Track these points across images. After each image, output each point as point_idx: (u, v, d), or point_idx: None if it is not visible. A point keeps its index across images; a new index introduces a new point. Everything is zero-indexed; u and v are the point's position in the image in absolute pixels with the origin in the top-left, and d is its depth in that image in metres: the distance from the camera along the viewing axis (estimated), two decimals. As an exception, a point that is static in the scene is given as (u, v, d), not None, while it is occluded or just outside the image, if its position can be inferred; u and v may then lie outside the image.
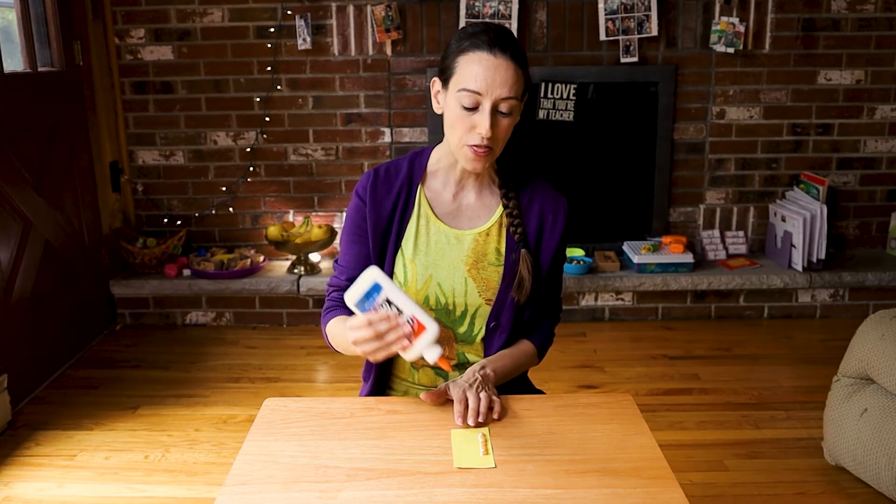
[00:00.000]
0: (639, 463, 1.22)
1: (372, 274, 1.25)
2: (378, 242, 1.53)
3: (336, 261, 1.61)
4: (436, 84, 1.48)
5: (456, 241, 1.52)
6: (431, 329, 1.27)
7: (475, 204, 1.55)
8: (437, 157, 1.56)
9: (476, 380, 1.40)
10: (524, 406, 1.40)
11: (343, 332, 1.40)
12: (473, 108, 1.40)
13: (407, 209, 1.53)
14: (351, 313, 1.49)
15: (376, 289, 1.23)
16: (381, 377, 1.62)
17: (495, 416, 1.35)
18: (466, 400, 1.35)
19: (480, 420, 1.32)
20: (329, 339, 1.53)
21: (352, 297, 1.29)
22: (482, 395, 1.35)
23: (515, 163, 1.56)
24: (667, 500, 1.13)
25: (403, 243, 1.52)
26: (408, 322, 1.25)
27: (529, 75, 1.47)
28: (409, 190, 1.54)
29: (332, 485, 1.17)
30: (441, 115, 1.49)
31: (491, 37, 1.39)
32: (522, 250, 1.51)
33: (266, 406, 1.40)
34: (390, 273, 1.52)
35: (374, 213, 1.52)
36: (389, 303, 1.25)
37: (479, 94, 1.38)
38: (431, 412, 1.38)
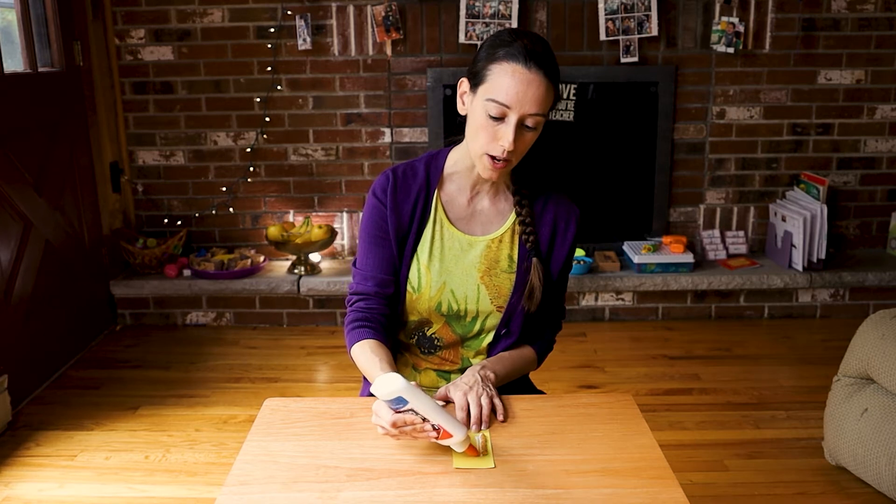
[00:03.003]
0: (639, 463, 1.22)
1: (397, 385, 1.18)
2: (396, 247, 1.51)
3: (354, 264, 1.57)
4: (463, 84, 1.45)
5: (469, 246, 1.51)
6: (458, 436, 1.22)
7: (489, 210, 1.54)
8: (453, 161, 1.54)
9: (476, 381, 1.39)
10: (524, 406, 1.40)
11: (369, 372, 1.40)
12: (499, 119, 1.37)
13: (425, 214, 1.51)
14: (379, 333, 1.47)
15: (401, 401, 1.20)
16: None
17: (500, 417, 1.35)
18: (468, 406, 1.34)
19: (483, 428, 1.32)
20: (354, 360, 1.49)
21: (379, 394, 1.21)
22: (483, 400, 1.34)
23: (533, 172, 1.54)
24: (667, 499, 1.13)
25: (419, 249, 1.51)
26: (432, 427, 1.21)
27: (559, 89, 1.44)
28: (427, 194, 1.51)
29: (332, 485, 1.17)
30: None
31: (528, 49, 1.36)
32: (534, 259, 1.50)
33: (266, 406, 1.40)
34: (405, 279, 1.51)
35: (394, 216, 1.50)
36: (416, 411, 1.21)
37: (507, 107, 1.36)
38: (432, 412, 1.38)
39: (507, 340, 1.54)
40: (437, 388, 1.57)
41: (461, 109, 1.46)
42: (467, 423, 1.32)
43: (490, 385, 1.40)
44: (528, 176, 1.54)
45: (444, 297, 1.50)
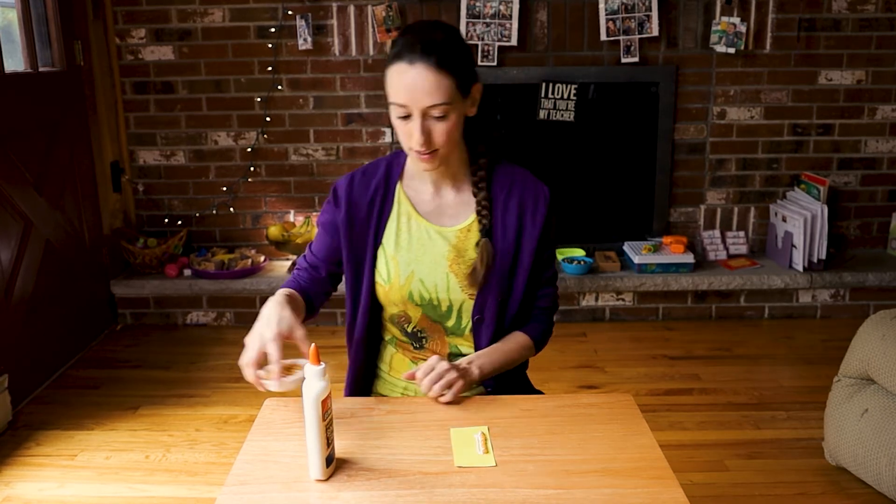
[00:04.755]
0: (639, 463, 1.22)
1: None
2: (355, 240, 1.55)
3: (309, 244, 1.65)
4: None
5: (438, 236, 1.53)
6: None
7: (454, 201, 1.56)
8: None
9: (457, 364, 1.43)
10: (524, 406, 1.40)
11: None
12: (406, 118, 1.41)
13: (385, 207, 1.55)
14: (297, 289, 1.56)
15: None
16: (372, 375, 1.65)
17: (443, 400, 1.38)
18: (429, 370, 1.40)
19: (428, 392, 1.38)
20: None
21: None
22: (452, 373, 1.39)
23: (478, 146, 1.56)
24: (667, 500, 1.13)
25: (384, 240, 1.54)
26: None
27: (468, 70, 1.44)
28: (387, 188, 1.55)
29: (332, 485, 1.17)
30: None
31: (410, 43, 1.38)
32: (483, 240, 1.51)
33: (266, 406, 1.41)
34: (372, 269, 1.54)
35: (346, 212, 1.54)
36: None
37: (403, 105, 1.39)
38: (431, 412, 1.38)
39: (486, 330, 1.54)
40: None
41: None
42: (412, 376, 1.41)
43: (467, 376, 1.43)
44: (481, 159, 1.55)
45: (414, 286, 1.52)
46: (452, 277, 1.52)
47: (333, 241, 1.58)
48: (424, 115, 1.39)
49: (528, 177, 1.57)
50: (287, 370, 1.36)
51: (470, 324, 1.55)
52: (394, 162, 1.58)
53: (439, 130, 1.41)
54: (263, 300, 3.48)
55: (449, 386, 1.38)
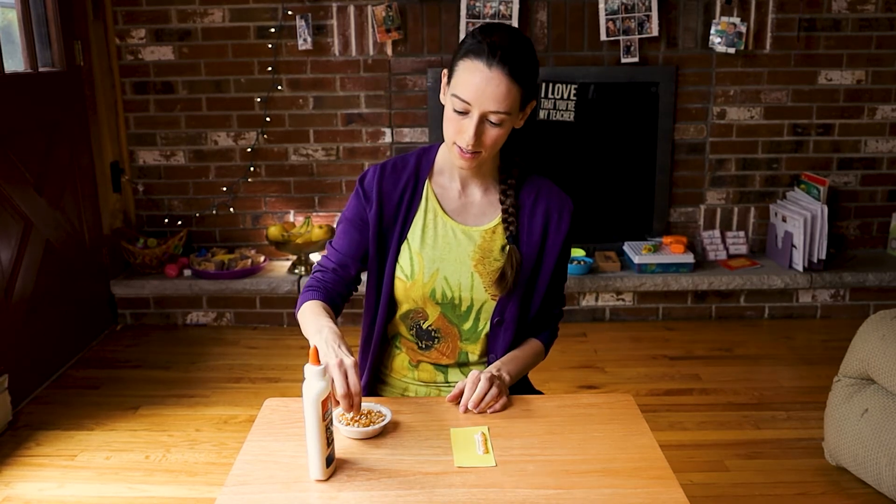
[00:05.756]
0: (639, 463, 1.22)
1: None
2: (382, 235, 1.54)
3: (330, 242, 1.61)
4: (444, 76, 1.50)
5: (464, 236, 1.54)
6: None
7: (481, 201, 1.56)
8: (443, 153, 1.58)
9: (490, 374, 1.42)
10: (524, 406, 1.40)
11: (308, 325, 1.43)
12: (463, 114, 1.41)
13: (413, 202, 1.55)
14: (326, 298, 1.52)
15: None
16: (374, 376, 1.64)
17: (489, 409, 1.38)
18: (474, 387, 1.38)
19: (475, 410, 1.36)
20: (299, 314, 1.51)
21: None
22: (494, 388, 1.38)
23: (514, 157, 1.57)
24: (667, 500, 1.13)
25: (410, 235, 1.54)
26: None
27: (533, 87, 1.47)
28: (416, 183, 1.55)
29: (332, 485, 1.17)
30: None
31: (494, 44, 1.38)
32: (510, 246, 1.51)
33: (267, 406, 1.41)
34: (393, 267, 1.53)
35: (378, 206, 1.53)
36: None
37: (468, 103, 1.40)
38: (431, 412, 1.38)
39: (504, 331, 1.55)
40: (436, 381, 1.60)
41: (442, 100, 1.50)
42: (456, 399, 1.39)
43: (504, 385, 1.44)
44: (511, 162, 1.57)
45: (438, 283, 1.52)
46: (477, 277, 1.52)
47: (363, 236, 1.55)
48: (482, 117, 1.40)
49: (553, 188, 1.59)
50: (365, 414, 1.33)
51: (487, 327, 1.56)
52: (423, 157, 1.58)
53: (491, 135, 1.43)
54: (264, 300, 3.52)
55: (497, 396, 1.40)
